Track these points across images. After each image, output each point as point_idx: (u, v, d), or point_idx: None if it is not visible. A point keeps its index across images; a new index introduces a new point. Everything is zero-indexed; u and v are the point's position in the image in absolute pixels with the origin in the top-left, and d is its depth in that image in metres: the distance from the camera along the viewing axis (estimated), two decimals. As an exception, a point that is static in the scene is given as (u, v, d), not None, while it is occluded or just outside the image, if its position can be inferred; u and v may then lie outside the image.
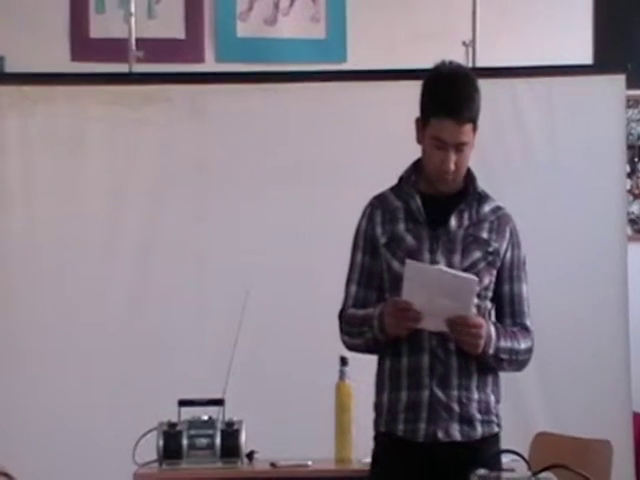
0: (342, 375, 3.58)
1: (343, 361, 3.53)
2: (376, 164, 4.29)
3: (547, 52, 5.08)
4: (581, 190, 4.65)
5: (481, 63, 4.75)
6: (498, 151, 4.63)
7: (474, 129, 2.90)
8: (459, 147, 2.87)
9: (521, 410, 4.48)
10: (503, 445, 3.11)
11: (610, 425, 4.37)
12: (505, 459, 3.20)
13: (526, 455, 3.28)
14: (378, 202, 3.01)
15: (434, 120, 2.87)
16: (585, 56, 5.35)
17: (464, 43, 4.79)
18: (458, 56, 4.59)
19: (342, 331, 3.01)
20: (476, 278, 2.80)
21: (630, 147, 5.25)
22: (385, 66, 4.71)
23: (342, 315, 3.01)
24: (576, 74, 4.73)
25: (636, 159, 5.57)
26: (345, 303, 3.02)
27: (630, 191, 5.46)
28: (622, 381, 4.61)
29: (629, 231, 5.21)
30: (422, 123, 2.92)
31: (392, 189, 3.02)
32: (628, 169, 5.29)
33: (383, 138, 4.49)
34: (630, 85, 4.75)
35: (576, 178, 4.65)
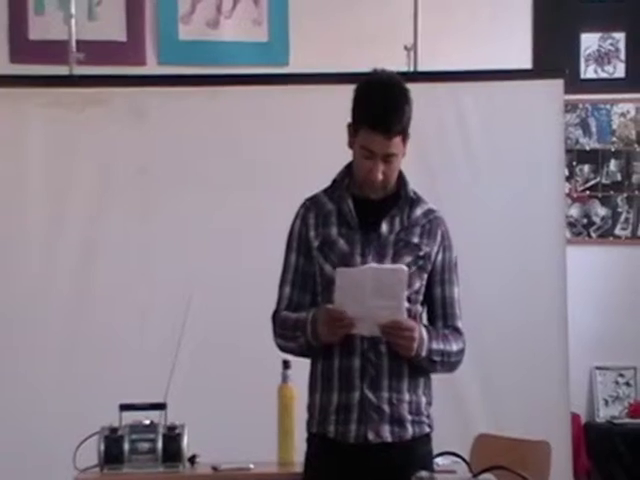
0: (285, 378, 3.58)
1: (286, 364, 3.53)
2: (318, 167, 4.27)
3: (488, 57, 5.13)
4: (521, 193, 4.70)
5: (422, 67, 4.79)
6: (439, 154, 4.67)
7: (404, 139, 2.91)
8: (387, 158, 2.89)
9: (461, 412, 4.51)
10: (444, 447, 3.14)
11: (549, 426, 4.42)
12: (446, 461, 3.23)
13: (467, 457, 3.32)
14: (311, 204, 3.01)
15: (363, 131, 2.89)
16: (524, 61, 5.42)
17: (406, 47, 4.81)
18: (399, 60, 4.66)
19: (275, 333, 3.01)
20: (405, 267, 2.82)
21: (568, 151, 5.32)
22: (327, 69, 4.72)
23: (275, 317, 3.01)
24: (516, 78, 4.77)
25: (574, 163, 5.65)
26: (279, 305, 3.02)
27: (569, 195, 5.53)
28: (560, 383, 4.66)
29: (568, 234, 5.28)
30: (352, 130, 2.93)
31: (325, 191, 3.03)
32: (566, 173, 5.35)
33: (325, 141, 4.49)
34: (568, 90, 4.81)
35: (516, 181, 4.69)
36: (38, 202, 4.63)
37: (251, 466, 3.53)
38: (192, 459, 3.55)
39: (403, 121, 2.88)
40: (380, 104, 2.87)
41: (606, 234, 5.66)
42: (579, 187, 5.67)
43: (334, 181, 3.03)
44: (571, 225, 5.58)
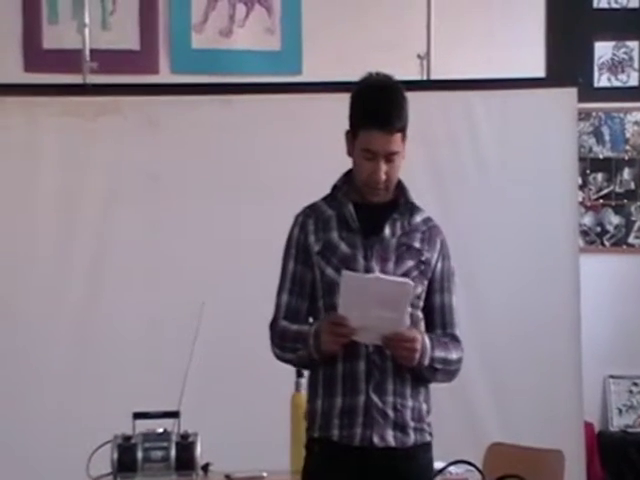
0: (298, 386, 3.59)
1: (299, 372, 3.53)
2: (331, 176, 4.29)
3: (501, 65, 5.12)
4: (534, 202, 4.70)
5: (435, 75, 4.79)
6: (451, 163, 4.67)
7: (403, 138, 2.91)
8: (389, 157, 2.89)
9: (475, 421, 4.51)
10: (457, 455, 3.14)
11: (562, 435, 4.42)
12: (459, 469, 3.23)
13: (480, 465, 3.31)
14: (310, 211, 3.02)
15: (363, 132, 2.88)
16: (538, 69, 5.41)
17: (419, 55, 4.82)
18: (412, 68, 4.67)
19: (273, 343, 2.99)
20: (412, 282, 2.82)
21: (581, 159, 5.31)
22: (340, 78, 4.72)
23: (274, 326, 2.99)
24: (529, 87, 4.77)
25: (587, 171, 5.64)
26: (277, 313, 2.99)
27: (582, 203, 5.52)
28: (574, 391, 4.66)
29: (581, 243, 5.27)
30: (351, 135, 2.94)
31: (324, 199, 3.03)
32: (580, 181, 5.35)
33: (338, 150, 4.49)
34: (581, 98, 4.80)
35: (529, 190, 4.69)
36: (50, 210, 4.64)
37: (264, 474, 3.54)
38: (205, 467, 3.55)
39: (402, 117, 2.89)
40: (378, 101, 2.88)
41: (620, 243, 5.64)
42: (592, 195, 5.66)
43: (333, 188, 3.03)
44: (584, 234, 5.57)
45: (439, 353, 2.90)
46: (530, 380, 4.60)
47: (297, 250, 2.98)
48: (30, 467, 4.39)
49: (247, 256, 4.56)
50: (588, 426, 5.10)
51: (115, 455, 3.44)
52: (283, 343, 2.96)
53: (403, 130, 2.90)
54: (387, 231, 2.94)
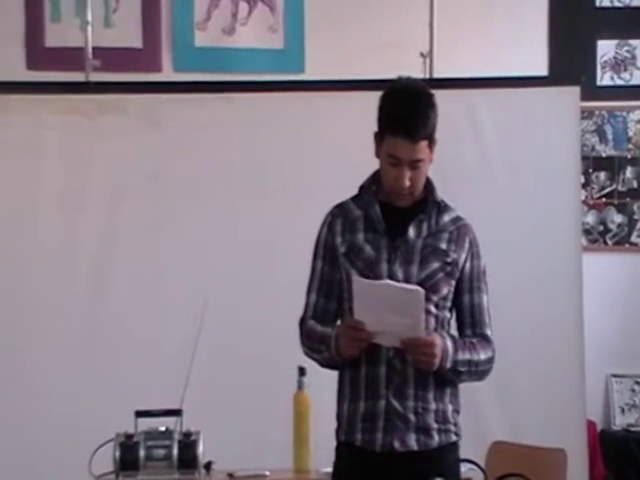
0: (300, 385, 3.59)
1: (301, 371, 3.54)
2: (333, 175, 4.30)
3: (503, 64, 5.12)
4: (536, 200, 4.69)
5: (438, 74, 4.78)
6: (455, 162, 4.65)
7: (430, 145, 2.91)
8: (414, 164, 2.89)
9: (478, 419, 4.50)
10: (460, 454, 3.13)
11: (565, 434, 4.41)
12: (462, 468, 3.22)
13: (483, 464, 3.31)
14: (339, 211, 3.02)
15: (388, 138, 2.89)
16: (541, 68, 5.40)
17: (422, 54, 4.81)
18: (415, 67, 4.66)
19: (301, 341, 3.03)
20: (422, 290, 2.81)
21: (584, 158, 5.30)
22: (343, 76, 4.73)
23: (302, 325, 3.02)
24: (532, 85, 4.76)
25: (590, 170, 5.63)
26: (305, 312, 3.03)
27: (585, 202, 5.51)
28: (576, 390, 4.65)
29: (584, 241, 5.26)
30: (379, 138, 2.94)
31: (353, 198, 3.03)
32: (582, 180, 5.34)
33: (341, 148, 4.51)
34: (584, 97, 4.80)
35: (532, 189, 4.68)
36: (53, 207, 4.64)
37: (267, 473, 3.54)
38: (208, 466, 3.55)
39: (428, 125, 2.88)
40: (404, 109, 2.88)
41: (622, 241, 5.64)
42: (595, 194, 5.66)
43: (361, 188, 3.03)
44: (587, 232, 5.56)
45: (463, 356, 2.90)
46: (532, 379, 4.59)
47: (325, 250, 2.99)
48: (32, 465, 4.39)
49: (249, 255, 4.56)
50: (591, 425, 5.09)
51: (117, 453, 3.43)
52: (310, 343, 2.99)
53: (429, 137, 2.89)
54: (412, 233, 2.93)
